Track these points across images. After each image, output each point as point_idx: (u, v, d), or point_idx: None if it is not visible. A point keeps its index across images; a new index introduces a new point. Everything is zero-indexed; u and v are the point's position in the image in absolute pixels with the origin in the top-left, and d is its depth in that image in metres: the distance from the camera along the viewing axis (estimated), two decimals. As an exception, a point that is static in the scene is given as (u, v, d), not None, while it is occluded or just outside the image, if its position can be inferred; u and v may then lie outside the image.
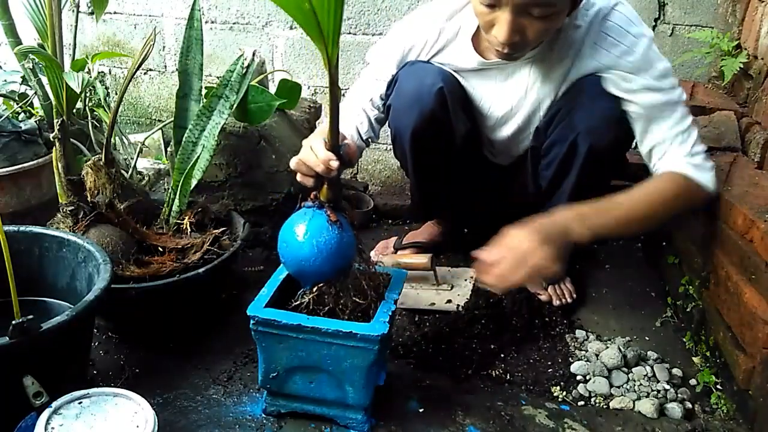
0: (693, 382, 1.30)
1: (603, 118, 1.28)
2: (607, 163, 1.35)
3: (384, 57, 1.45)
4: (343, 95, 2.23)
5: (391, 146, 1.54)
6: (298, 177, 1.09)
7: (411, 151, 1.43)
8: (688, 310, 1.43)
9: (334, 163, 1.02)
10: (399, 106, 1.39)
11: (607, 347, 1.38)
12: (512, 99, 1.40)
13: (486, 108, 1.44)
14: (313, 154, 1.04)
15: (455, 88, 1.39)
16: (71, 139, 1.47)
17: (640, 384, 1.29)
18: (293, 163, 1.08)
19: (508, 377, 1.30)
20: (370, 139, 1.47)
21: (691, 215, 1.48)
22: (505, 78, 1.39)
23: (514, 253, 1.11)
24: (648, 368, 1.32)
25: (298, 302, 1.10)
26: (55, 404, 0.92)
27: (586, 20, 1.27)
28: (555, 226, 1.15)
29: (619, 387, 1.28)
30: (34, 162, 1.64)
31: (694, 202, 1.27)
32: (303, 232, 1.05)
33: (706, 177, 1.25)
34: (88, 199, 1.34)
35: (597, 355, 1.36)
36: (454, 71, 1.41)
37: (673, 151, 1.26)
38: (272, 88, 1.67)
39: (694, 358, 1.37)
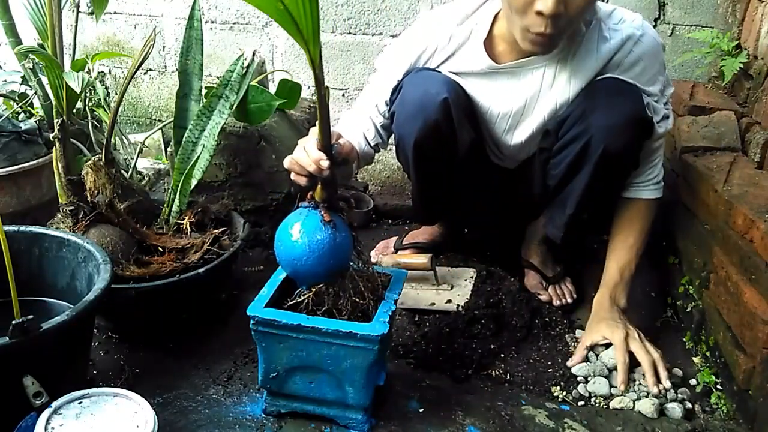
0: (693, 382, 1.30)
1: (620, 119, 1.27)
2: (620, 165, 1.34)
3: (393, 63, 1.43)
4: (343, 95, 2.24)
5: (393, 148, 1.54)
6: (292, 176, 1.09)
7: (414, 159, 1.42)
8: (688, 310, 1.43)
9: (325, 163, 1.02)
10: (403, 115, 1.37)
11: (607, 347, 1.38)
12: (522, 99, 1.38)
13: (495, 113, 1.41)
14: (306, 153, 1.04)
15: (461, 98, 1.37)
16: (71, 139, 1.46)
17: (640, 384, 1.28)
18: (287, 162, 1.08)
19: (508, 377, 1.30)
20: (379, 145, 1.46)
21: (692, 215, 1.48)
22: (518, 80, 1.37)
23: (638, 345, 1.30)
24: (648, 368, 1.32)
25: (293, 301, 1.10)
26: (55, 404, 0.92)
27: (617, 37, 1.29)
28: (616, 310, 1.39)
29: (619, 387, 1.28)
30: (34, 162, 1.64)
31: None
32: (296, 231, 1.05)
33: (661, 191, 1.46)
34: (88, 199, 1.34)
35: (597, 355, 1.36)
36: (462, 75, 1.39)
37: (644, 179, 1.42)
38: (272, 88, 1.67)
39: (694, 358, 1.37)
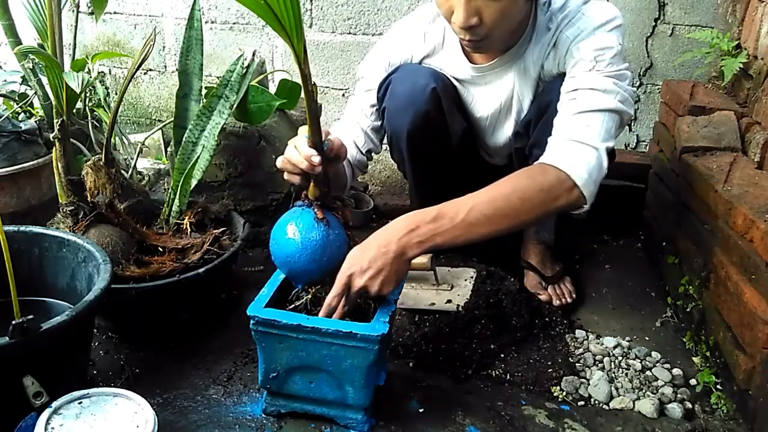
0: (693, 382, 1.31)
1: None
2: None
3: (373, 69, 1.46)
4: (343, 95, 2.24)
5: (389, 149, 1.55)
6: (285, 176, 1.10)
7: (408, 153, 1.44)
8: (688, 310, 1.43)
9: (316, 159, 1.02)
10: (393, 108, 1.40)
11: (607, 347, 1.38)
12: (498, 101, 1.41)
13: (477, 111, 1.45)
14: (297, 151, 1.05)
15: (448, 88, 1.40)
16: (71, 139, 1.47)
17: (640, 384, 1.29)
18: (279, 162, 1.09)
19: (508, 377, 1.30)
20: (371, 152, 1.48)
21: (692, 215, 1.48)
22: (496, 80, 1.40)
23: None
24: (648, 368, 1.32)
25: (292, 306, 1.11)
26: (55, 404, 0.92)
27: (555, 21, 1.30)
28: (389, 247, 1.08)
29: (619, 387, 1.28)
30: (34, 162, 1.64)
31: (555, 198, 1.11)
32: (290, 229, 1.07)
33: (573, 164, 1.12)
34: (88, 199, 1.34)
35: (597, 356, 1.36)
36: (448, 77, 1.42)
37: (559, 135, 1.17)
38: (272, 88, 1.67)
39: (694, 358, 1.37)
